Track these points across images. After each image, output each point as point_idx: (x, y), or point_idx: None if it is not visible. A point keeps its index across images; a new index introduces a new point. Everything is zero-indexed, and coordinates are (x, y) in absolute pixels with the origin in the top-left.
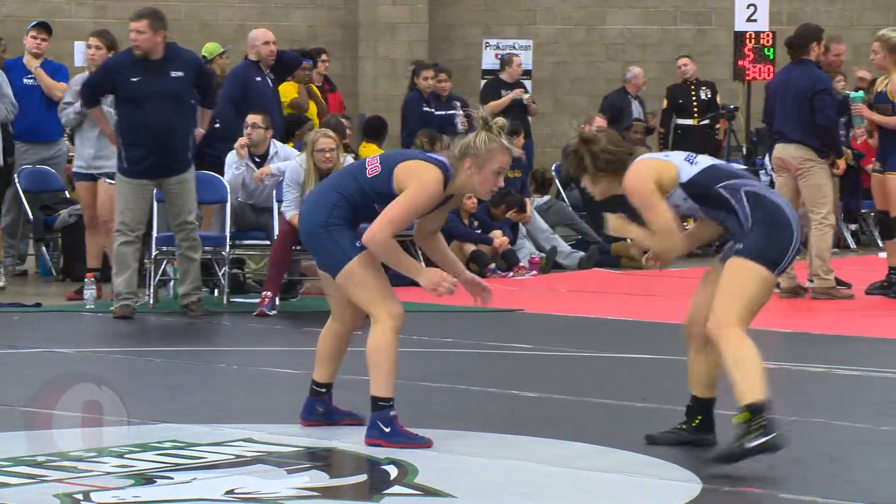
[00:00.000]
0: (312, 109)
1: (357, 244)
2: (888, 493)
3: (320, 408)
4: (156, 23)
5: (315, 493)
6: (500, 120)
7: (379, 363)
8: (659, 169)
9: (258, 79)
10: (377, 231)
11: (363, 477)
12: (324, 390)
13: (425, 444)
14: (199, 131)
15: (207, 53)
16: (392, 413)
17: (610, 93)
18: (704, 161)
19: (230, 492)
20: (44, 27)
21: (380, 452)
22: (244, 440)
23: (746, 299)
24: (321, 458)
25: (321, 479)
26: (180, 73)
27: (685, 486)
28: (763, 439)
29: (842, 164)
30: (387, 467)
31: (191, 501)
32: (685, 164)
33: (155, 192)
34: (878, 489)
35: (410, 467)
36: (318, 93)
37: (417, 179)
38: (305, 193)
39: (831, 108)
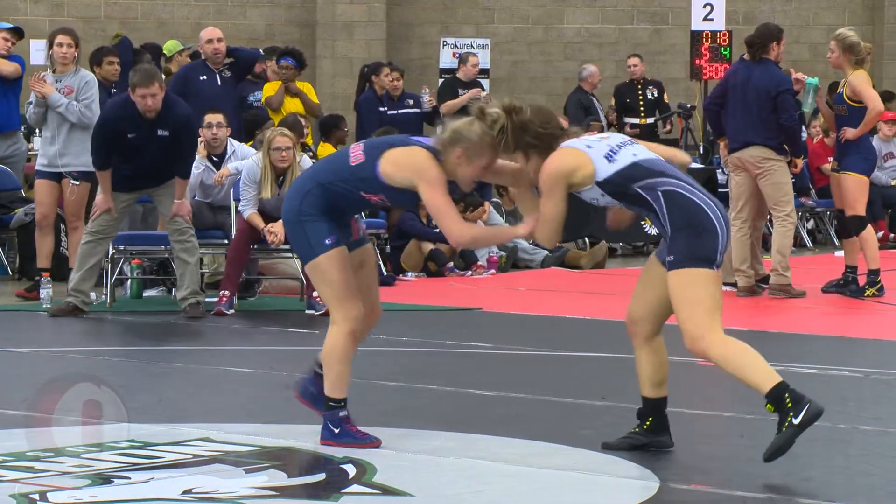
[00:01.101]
0: (295, 106)
1: (327, 240)
2: (844, 491)
3: (312, 388)
4: (163, 83)
5: (273, 493)
6: (493, 114)
7: (331, 364)
8: (577, 163)
9: (202, 77)
10: (455, 232)
11: (321, 476)
12: (322, 372)
13: (372, 443)
14: (186, 205)
15: (167, 51)
16: (342, 414)
17: (572, 92)
18: (625, 158)
19: (188, 491)
20: (15, 31)
21: (338, 451)
22: (202, 439)
23: (704, 303)
24: (279, 458)
25: (279, 478)
26: (166, 133)
27: (643, 484)
28: (804, 411)
29: (799, 163)
30: (345, 466)
31: (148, 501)
32: (603, 162)
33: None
34: (833, 486)
35: (369, 466)
36: (312, 91)
37: (414, 172)
38: (262, 192)
39: (793, 107)
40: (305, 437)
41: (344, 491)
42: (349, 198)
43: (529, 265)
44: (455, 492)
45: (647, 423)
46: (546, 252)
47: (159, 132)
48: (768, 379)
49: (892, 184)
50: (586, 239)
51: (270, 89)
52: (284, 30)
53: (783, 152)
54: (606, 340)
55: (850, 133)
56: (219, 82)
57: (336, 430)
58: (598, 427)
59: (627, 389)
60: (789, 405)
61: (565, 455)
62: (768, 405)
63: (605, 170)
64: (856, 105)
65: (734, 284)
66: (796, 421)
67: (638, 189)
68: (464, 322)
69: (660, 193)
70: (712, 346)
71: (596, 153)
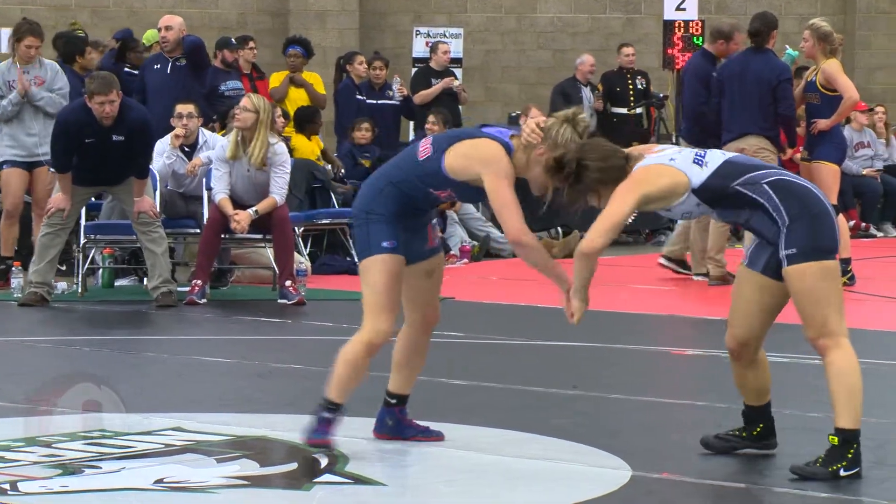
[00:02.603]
0: (300, 96)
1: (386, 243)
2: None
3: (390, 420)
4: (119, 89)
5: (245, 482)
6: (586, 120)
7: (338, 364)
8: (655, 175)
9: (155, 67)
10: (514, 230)
11: (293, 465)
12: (395, 401)
13: (326, 441)
14: (147, 200)
15: (146, 41)
16: (327, 415)
17: (561, 81)
18: (715, 159)
19: (159, 481)
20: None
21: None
22: (173, 429)
23: (836, 300)
24: (251, 447)
25: (251, 467)
26: (122, 138)
27: (615, 473)
28: (854, 471)
29: (791, 152)
30: (317, 456)
31: (119, 491)
32: (695, 168)
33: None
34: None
35: (341, 456)
36: (320, 81)
37: (481, 163)
38: (228, 151)
39: (793, 97)
40: (277, 426)
41: (316, 480)
42: (419, 196)
43: (501, 254)
44: (427, 481)
45: (758, 429)
46: None
47: (115, 137)
48: (856, 419)
49: (864, 173)
50: (559, 228)
51: (276, 80)
52: (257, 18)
53: (777, 145)
54: (578, 330)
55: (822, 124)
56: (168, 70)
57: (318, 433)
58: (570, 416)
59: (599, 378)
60: (850, 456)
61: (537, 444)
62: (835, 437)
63: (699, 175)
64: (829, 93)
65: (706, 274)
66: (843, 473)
67: (738, 188)
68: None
69: (765, 186)
70: (841, 350)
71: (683, 162)
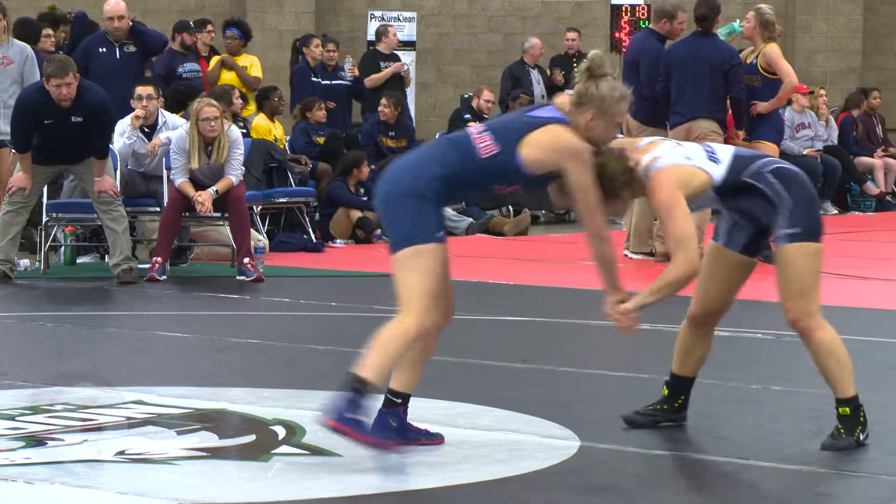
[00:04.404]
0: (232, 79)
1: (439, 233)
2: (755, 449)
3: (394, 422)
4: (76, 72)
5: (204, 454)
6: (600, 59)
7: (380, 349)
8: (687, 176)
9: (102, 50)
10: (597, 221)
11: (252, 437)
12: (399, 401)
13: (392, 444)
14: (108, 180)
15: None
16: (363, 402)
17: (510, 64)
18: (724, 154)
19: (121, 453)
20: None
21: (268, 413)
22: (134, 402)
23: (818, 284)
24: (211, 420)
25: (211, 439)
26: (80, 119)
27: (564, 443)
28: (867, 433)
29: (742, 134)
30: (275, 428)
31: (82, 462)
32: (712, 166)
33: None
34: (745, 445)
35: (298, 428)
36: (257, 64)
37: (565, 153)
38: (191, 162)
39: (743, 81)
40: (236, 399)
41: (274, 452)
42: (476, 189)
43: (454, 232)
44: (381, 451)
45: (679, 401)
46: (470, 220)
47: (73, 119)
48: (853, 385)
49: (804, 153)
50: (510, 206)
51: (212, 64)
52: (215, 2)
53: (724, 127)
54: (529, 305)
55: (762, 107)
56: (118, 55)
57: (349, 415)
58: (521, 388)
59: (550, 352)
60: (862, 419)
61: (489, 416)
62: (844, 408)
63: (718, 172)
64: (770, 76)
65: (650, 253)
66: (862, 438)
67: (746, 179)
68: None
69: (768, 175)
70: (820, 329)
71: (700, 161)
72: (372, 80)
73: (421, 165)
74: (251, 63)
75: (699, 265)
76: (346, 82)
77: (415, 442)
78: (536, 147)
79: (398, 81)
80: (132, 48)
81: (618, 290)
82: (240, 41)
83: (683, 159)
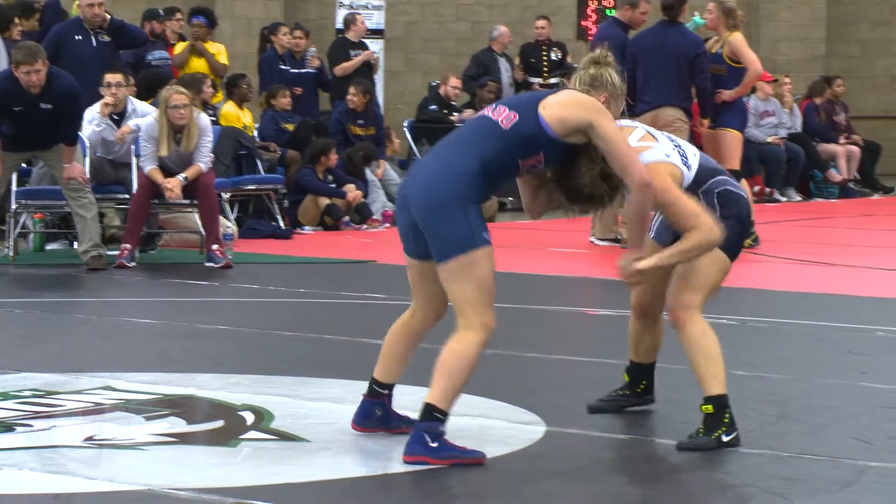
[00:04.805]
0: (202, 66)
1: (486, 234)
2: None
3: (378, 411)
4: (45, 59)
5: (173, 439)
6: (608, 54)
7: (452, 373)
8: (672, 170)
9: (78, 37)
10: (639, 174)
11: (220, 423)
12: (386, 391)
13: (479, 458)
14: (76, 167)
15: (75, 12)
16: (442, 428)
17: (478, 51)
18: (693, 161)
19: (89, 438)
20: None
21: (236, 399)
22: (103, 388)
23: (712, 285)
24: (179, 405)
25: (179, 425)
26: (50, 106)
27: (530, 428)
28: (733, 435)
29: (707, 122)
30: (243, 413)
31: (51, 448)
32: (685, 169)
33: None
34: None
35: (266, 413)
36: (223, 52)
37: (587, 109)
38: (160, 149)
39: (708, 70)
40: (204, 385)
41: (242, 437)
42: (506, 171)
43: None
44: (350, 437)
45: (642, 386)
46: None
47: (43, 105)
48: (723, 384)
49: (769, 141)
50: None
51: (180, 48)
52: None
53: (689, 115)
54: (497, 292)
55: (726, 95)
56: (93, 44)
57: (434, 445)
58: (488, 374)
59: (517, 338)
60: (727, 420)
61: (457, 401)
62: (707, 406)
63: (688, 176)
64: (735, 65)
65: (616, 240)
66: (725, 439)
67: (699, 192)
68: (359, 274)
69: (714, 196)
70: (693, 323)
71: (676, 160)
72: (342, 68)
73: (453, 165)
74: (217, 51)
75: (721, 233)
76: (314, 71)
77: (397, 430)
78: (558, 104)
79: (367, 69)
80: (106, 38)
81: (639, 248)
82: (206, 29)
83: (663, 156)
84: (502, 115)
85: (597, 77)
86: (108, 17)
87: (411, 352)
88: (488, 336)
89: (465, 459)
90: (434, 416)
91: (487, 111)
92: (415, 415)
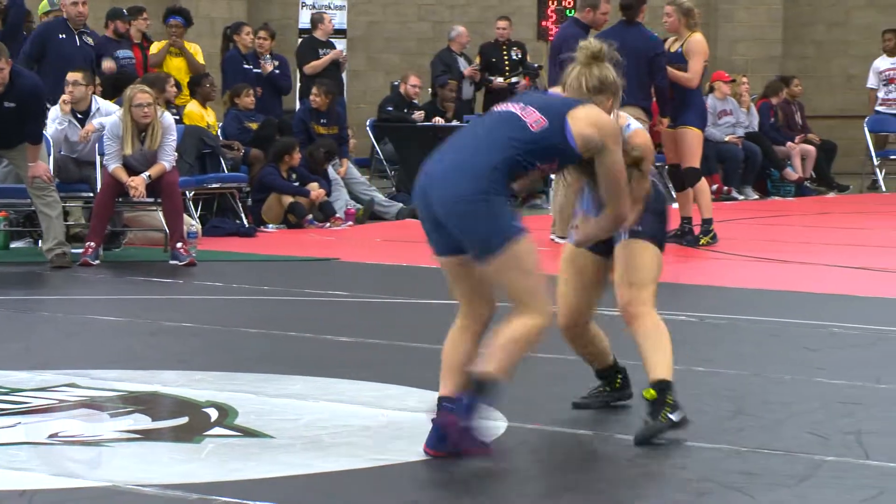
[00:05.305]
0: (180, 65)
1: (519, 223)
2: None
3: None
4: (8, 57)
5: (138, 436)
6: (601, 47)
7: (515, 349)
8: (646, 140)
9: (61, 36)
10: (625, 205)
11: (184, 419)
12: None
13: (488, 449)
14: (41, 165)
15: (41, 11)
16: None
17: (439, 51)
18: None
19: (54, 435)
20: None
21: (200, 395)
22: (68, 385)
23: (655, 281)
24: (143, 402)
25: (144, 421)
26: (13, 105)
27: (491, 424)
28: (680, 413)
29: (666, 121)
30: (207, 410)
31: (15, 445)
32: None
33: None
34: None
35: (230, 410)
36: (199, 52)
37: (607, 133)
38: (125, 148)
39: (666, 69)
40: (169, 382)
41: (206, 433)
42: (522, 171)
43: (385, 217)
44: (313, 433)
45: (618, 382)
46: (400, 205)
47: (6, 104)
48: (669, 371)
49: (726, 140)
50: None
51: (157, 48)
52: None
53: (650, 115)
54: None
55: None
56: (77, 43)
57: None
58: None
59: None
60: (670, 402)
61: (418, 397)
62: (650, 391)
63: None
64: None
65: None
66: (674, 417)
67: None
68: (322, 271)
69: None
70: (651, 315)
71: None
72: (311, 67)
73: (476, 161)
74: (194, 51)
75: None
76: (277, 70)
77: (476, 449)
78: (586, 121)
79: (335, 68)
80: (89, 39)
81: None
82: (182, 28)
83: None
84: (532, 118)
85: (603, 80)
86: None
87: (474, 356)
88: (550, 322)
89: (480, 450)
90: (484, 385)
91: (514, 108)
92: (368, 409)
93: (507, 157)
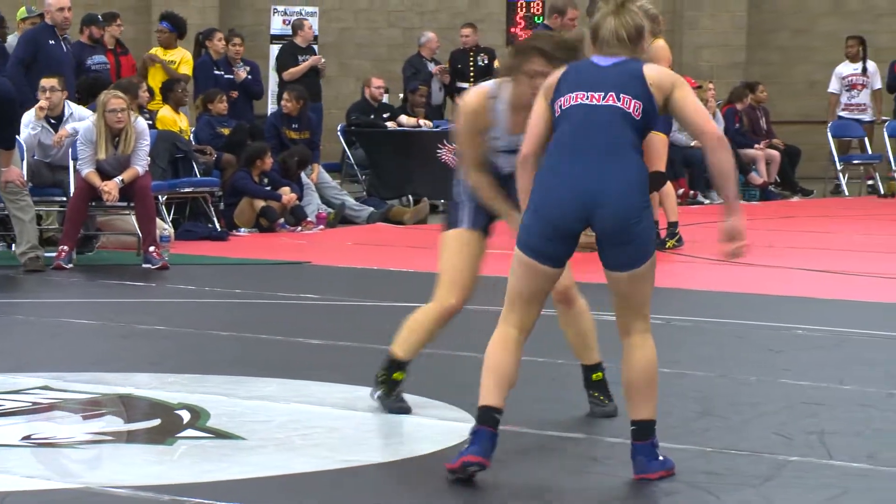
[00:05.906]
0: (161, 73)
1: None
2: None
3: (489, 444)
4: None
5: (110, 438)
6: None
7: (653, 382)
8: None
9: (51, 42)
10: (720, 132)
11: (157, 421)
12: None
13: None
14: (14, 170)
15: (19, 16)
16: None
17: (409, 56)
18: None
19: (27, 437)
20: None
21: (173, 398)
22: (41, 388)
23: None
24: (116, 404)
25: (116, 424)
26: None
27: (461, 426)
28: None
29: None
30: (179, 412)
31: None
32: None
33: None
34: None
35: (202, 412)
36: (189, 60)
37: (666, 75)
38: (98, 153)
39: None
40: (141, 384)
41: (178, 435)
42: None
43: (356, 221)
44: (285, 434)
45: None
46: (371, 209)
47: None
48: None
49: (693, 144)
50: (410, 196)
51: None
52: None
53: None
54: (428, 291)
55: None
56: (64, 48)
57: (662, 458)
58: (418, 373)
59: (449, 337)
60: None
61: None
62: (598, 374)
63: None
64: None
65: None
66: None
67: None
68: (294, 275)
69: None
70: (579, 297)
71: None
72: (290, 73)
73: (633, 169)
74: (182, 58)
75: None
76: (250, 76)
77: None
78: (657, 83)
79: (314, 74)
80: (68, 45)
81: (732, 211)
82: (171, 34)
83: None
84: (631, 106)
85: (638, 27)
86: None
87: (519, 366)
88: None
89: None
90: (653, 429)
91: (610, 99)
92: (339, 411)
93: (640, 160)
